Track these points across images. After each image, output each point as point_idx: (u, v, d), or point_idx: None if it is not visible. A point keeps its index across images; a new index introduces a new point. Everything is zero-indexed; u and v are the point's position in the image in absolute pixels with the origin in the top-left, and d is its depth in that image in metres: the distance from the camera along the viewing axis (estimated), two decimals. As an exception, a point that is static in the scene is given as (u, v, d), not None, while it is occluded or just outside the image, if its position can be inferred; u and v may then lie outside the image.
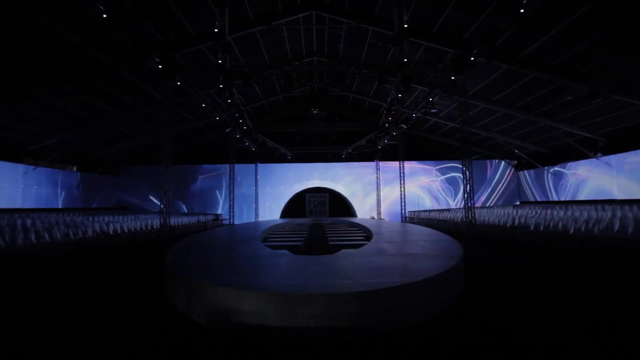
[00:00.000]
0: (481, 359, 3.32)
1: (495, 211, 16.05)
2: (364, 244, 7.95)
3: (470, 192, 13.00)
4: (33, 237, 8.51)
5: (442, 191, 23.87)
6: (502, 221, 12.36)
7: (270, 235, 11.90)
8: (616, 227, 8.26)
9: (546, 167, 20.59)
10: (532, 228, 10.34)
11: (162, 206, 12.68)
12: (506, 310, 4.66)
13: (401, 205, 19.88)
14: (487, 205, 23.16)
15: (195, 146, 23.36)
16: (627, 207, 12.24)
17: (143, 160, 23.11)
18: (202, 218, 19.18)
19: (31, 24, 9.38)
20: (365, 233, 11.89)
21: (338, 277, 4.58)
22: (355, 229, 14.40)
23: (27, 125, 14.74)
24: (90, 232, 10.28)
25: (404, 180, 19.69)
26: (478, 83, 14.53)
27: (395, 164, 20.45)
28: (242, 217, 23.13)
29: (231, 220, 19.62)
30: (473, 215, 12.87)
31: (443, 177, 23.94)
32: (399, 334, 3.70)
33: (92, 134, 17.57)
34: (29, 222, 11.00)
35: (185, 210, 23.25)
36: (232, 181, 19.66)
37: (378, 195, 23.10)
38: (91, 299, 5.48)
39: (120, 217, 14.25)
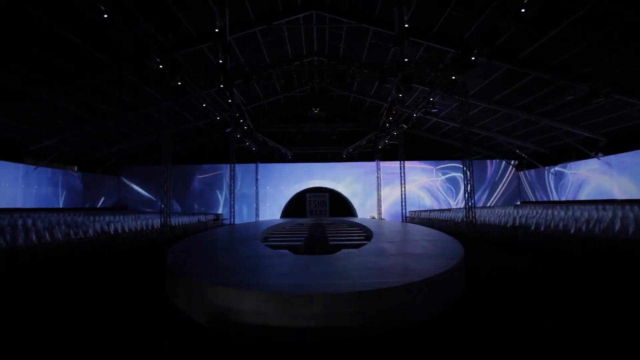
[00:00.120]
0: (481, 359, 3.32)
1: (496, 211, 16.04)
2: (364, 244, 7.95)
3: (470, 192, 13.00)
4: (34, 237, 8.52)
5: (442, 191, 23.86)
6: (502, 221, 12.35)
7: (271, 235, 11.90)
8: (617, 227, 8.25)
9: (547, 167, 20.57)
10: (532, 228, 10.33)
11: (162, 206, 12.68)
12: (507, 310, 4.65)
13: (401, 205, 19.87)
14: (488, 205, 23.14)
15: (195, 146, 23.36)
16: (627, 207, 12.22)
17: (143, 160, 23.12)
18: (202, 218, 19.18)
19: (31, 24, 9.37)
20: (366, 233, 11.89)
21: (338, 277, 4.57)
22: (356, 228, 14.40)
23: (27, 125, 14.74)
24: (91, 231, 10.29)
25: (404, 180, 19.68)
26: (478, 83, 14.52)
27: (396, 163, 20.44)
28: (243, 217, 23.15)
29: (231, 220, 19.62)
30: (473, 215, 12.86)
31: (443, 177, 23.93)
32: (399, 334, 3.69)
33: (92, 134, 17.58)
34: (29, 222, 11.00)
35: (185, 210, 23.24)
36: (232, 181, 19.66)
37: (378, 195, 23.09)
38: (92, 299, 5.49)
39: (121, 216, 14.26)
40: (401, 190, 19.80)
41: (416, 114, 15.70)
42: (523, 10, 8.22)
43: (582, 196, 17.86)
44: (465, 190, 13.34)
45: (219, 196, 23.77)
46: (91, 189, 20.95)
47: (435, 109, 15.15)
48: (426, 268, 4.81)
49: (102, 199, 22.15)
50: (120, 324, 4.29)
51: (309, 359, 3.31)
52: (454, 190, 23.74)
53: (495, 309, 4.68)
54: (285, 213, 23.60)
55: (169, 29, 11.33)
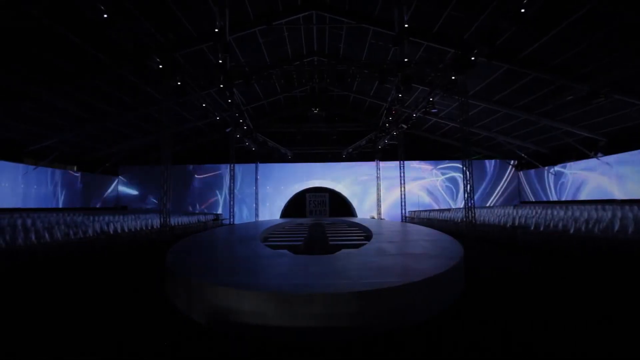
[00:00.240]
0: (481, 359, 3.32)
1: (496, 211, 16.04)
2: (364, 244, 7.94)
3: (470, 192, 12.99)
4: (33, 237, 8.51)
5: (442, 191, 23.87)
6: (502, 221, 12.35)
7: (270, 235, 11.90)
8: (616, 227, 8.25)
9: (546, 167, 20.58)
10: (532, 228, 10.33)
11: (162, 206, 12.68)
12: (506, 310, 4.65)
13: (401, 205, 19.87)
14: (488, 205, 23.15)
15: (195, 146, 23.36)
16: (627, 207, 12.23)
17: (143, 160, 23.11)
18: (202, 218, 19.18)
19: (31, 24, 9.36)
20: (366, 233, 11.89)
21: (338, 277, 4.57)
22: (355, 228, 14.40)
23: (27, 125, 14.74)
24: (90, 231, 10.28)
25: (404, 180, 19.68)
26: (478, 83, 14.52)
27: (396, 163, 20.43)
28: (242, 217, 23.15)
29: (231, 220, 19.62)
30: (473, 215, 12.86)
31: (443, 177, 23.94)
32: (399, 334, 3.69)
33: (92, 134, 17.57)
34: (29, 221, 11.00)
35: (185, 210, 23.24)
36: (232, 181, 19.65)
37: (378, 195, 23.09)
38: (91, 299, 5.48)
39: (121, 216, 14.25)
40: (401, 190, 19.80)
41: (416, 114, 15.70)
42: (523, 10, 8.23)
43: (582, 196, 17.87)
44: (464, 190, 13.34)
45: (219, 196, 23.77)
46: (91, 189, 20.95)
47: (435, 109, 15.15)
48: (426, 268, 4.81)
49: (102, 199, 22.15)
50: (120, 324, 4.29)
51: (308, 359, 3.31)
52: (453, 190, 23.74)
53: (495, 309, 4.68)
54: (285, 213, 23.60)
55: (169, 29, 11.32)
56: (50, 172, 18.15)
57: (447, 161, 23.78)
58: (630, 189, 15.19)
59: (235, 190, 20.54)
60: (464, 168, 13.32)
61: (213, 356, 3.43)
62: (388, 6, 11.38)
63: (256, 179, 23.56)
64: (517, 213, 13.63)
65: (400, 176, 19.71)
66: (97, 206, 21.52)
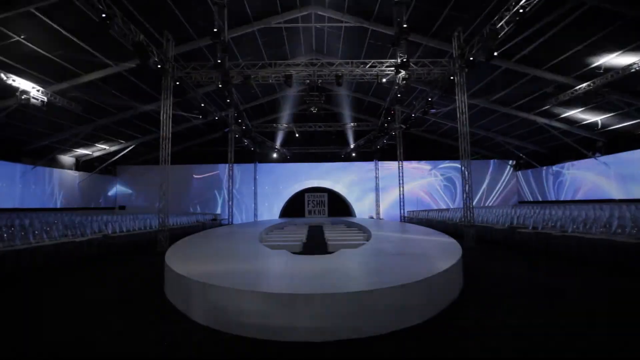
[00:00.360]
0: (480, 359, 3.33)
1: (494, 211, 16.06)
2: (362, 244, 7.95)
3: (469, 192, 12.99)
4: (31, 237, 8.49)
5: (441, 191, 23.90)
6: (500, 221, 12.38)
7: (270, 235, 11.90)
8: (614, 226, 8.28)
9: (545, 167, 20.63)
10: (530, 228, 10.36)
11: (160, 206, 12.63)
12: (505, 310, 4.67)
13: (400, 205, 19.89)
14: (486, 205, 23.19)
15: (194, 146, 23.31)
16: (624, 206, 12.27)
17: (142, 160, 23.06)
18: (200, 218, 19.15)
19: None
20: (364, 233, 11.90)
21: (337, 277, 4.57)
22: (354, 228, 14.42)
23: (26, 124, 14.67)
24: (88, 231, 10.26)
25: (402, 180, 19.70)
26: (477, 83, 14.55)
27: (394, 163, 20.45)
28: (241, 217, 23.13)
29: (230, 220, 19.59)
30: (472, 215, 12.87)
31: (442, 177, 23.97)
32: (399, 334, 3.70)
33: (90, 134, 17.51)
34: (27, 221, 10.96)
35: (184, 210, 23.20)
36: (231, 181, 19.63)
37: (377, 195, 23.10)
38: (90, 299, 5.47)
39: (119, 217, 14.22)
40: (399, 190, 19.82)
41: (415, 114, 15.71)
42: (522, 10, 8.25)
43: (580, 196, 17.94)
44: (463, 190, 13.34)
45: (217, 196, 23.75)
46: (89, 189, 20.88)
47: (433, 109, 15.16)
48: (425, 268, 4.81)
49: (100, 199, 22.09)
50: (120, 324, 4.28)
51: (308, 359, 3.32)
52: (452, 190, 23.78)
53: (494, 309, 4.70)
54: (284, 213, 23.60)
55: (168, 28, 11.29)
56: (48, 172, 18.08)
57: (446, 161, 23.82)
58: (628, 189, 15.24)
59: (234, 190, 20.52)
60: (463, 168, 13.33)
61: (213, 356, 3.43)
62: (387, 6, 11.38)
63: (255, 179, 23.54)
64: (515, 213, 13.66)
65: (399, 176, 19.73)
66: (95, 206, 21.44)
